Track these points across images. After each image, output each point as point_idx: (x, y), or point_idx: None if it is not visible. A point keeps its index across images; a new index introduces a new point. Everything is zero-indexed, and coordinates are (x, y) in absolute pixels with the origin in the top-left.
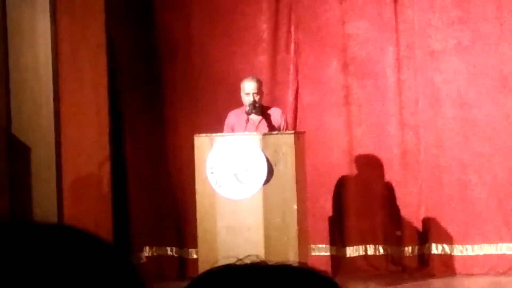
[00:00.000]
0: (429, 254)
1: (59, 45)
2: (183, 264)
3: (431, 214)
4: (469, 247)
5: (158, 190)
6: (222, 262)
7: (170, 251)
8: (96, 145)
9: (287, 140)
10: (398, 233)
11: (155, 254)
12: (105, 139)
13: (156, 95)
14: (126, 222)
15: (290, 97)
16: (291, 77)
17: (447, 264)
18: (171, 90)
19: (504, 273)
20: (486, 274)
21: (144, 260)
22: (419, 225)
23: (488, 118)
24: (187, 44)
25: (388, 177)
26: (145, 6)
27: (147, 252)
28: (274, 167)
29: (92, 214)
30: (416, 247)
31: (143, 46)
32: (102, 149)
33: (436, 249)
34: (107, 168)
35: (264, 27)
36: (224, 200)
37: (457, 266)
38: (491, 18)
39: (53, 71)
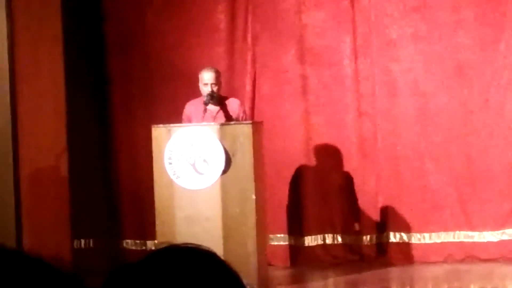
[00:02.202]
0: (387, 242)
1: (15, 39)
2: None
3: (389, 203)
4: (426, 235)
5: (114, 182)
6: None
7: (127, 243)
8: (53, 137)
9: (244, 130)
10: (356, 226)
11: (112, 246)
12: (62, 131)
13: (109, 89)
14: (84, 214)
15: (248, 87)
16: (249, 67)
17: (405, 253)
18: (125, 81)
19: (461, 261)
20: (444, 262)
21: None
22: (377, 214)
23: (445, 107)
24: (141, 34)
25: (346, 166)
26: None
27: (104, 243)
28: (232, 157)
29: (50, 207)
30: (374, 236)
31: (97, 37)
32: (59, 141)
33: (394, 237)
34: (64, 159)
35: (221, 17)
36: (183, 190)
37: (415, 254)
38: (447, 7)
39: (10, 65)
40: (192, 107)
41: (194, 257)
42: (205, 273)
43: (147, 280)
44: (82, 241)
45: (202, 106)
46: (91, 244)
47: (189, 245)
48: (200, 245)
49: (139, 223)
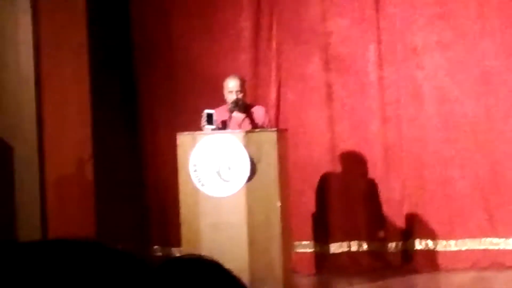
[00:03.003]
0: (413, 250)
1: (40, 44)
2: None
3: (414, 210)
4: (452, 242)
5: (140, 189)
6: None
7: (155, 250)
8: (78, 144)
9: (269, 137)
10: (381, 234)
11: (140, 252)
12: (88, 138)
13: (135, 95)
14: (109, 221)
15: (273, 95)
16: (273, 74)
17: (431, 260)
18: (151, 89)
19: (487, 268)
20: (469, 269)
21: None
22: (402, 221)
23: (470, 114)
24: (167, 42)
25: (370, 173)
26: (124, 4)
27: (131, 250)
28: (257, 164)
29: (76, 214)
30: (400, 243)
31: (122, 45)
32: (85, 147)
33: (419, 244)
34: (89, 166)
35: (245, 24)
36: (207, 198)
37: (441, 261)
38: (472, 15)
39: (35, 70)
40: (217, 114)
41: (199, 268)
42: (211, 284)
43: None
44: None
45: (227, 114)
46: None
47: (193, 256)
48: (204, 256)
49: (166, 229)
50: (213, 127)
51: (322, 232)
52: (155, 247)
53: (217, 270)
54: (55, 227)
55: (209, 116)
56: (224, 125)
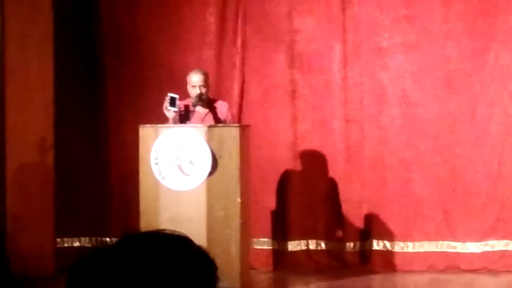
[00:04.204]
0: (370, 250)
1: (5, 32)
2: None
3: (373, 211)
4: (410, 244)
5: (101, 180)
6: None
7: (113, 242)
8: (40, 133)
9: (232, 132)
10: (340, 233)
11: (95, 244)
12: (50, 127)
13: (100, 88)
14: (69, 210)
15: (236, 91)
16: (237, 70)
17: (388, 261)
18: (116, 82)
19: (443, 271)
20: (426, 271)
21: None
22: (361, 221)
23: (432, 116)
24: (133, 36)
25: (331, 172)
26: None
27: (88, 242)
28: (218, 159)
29: (35, 204)
30: (358, 243)
31: (88, 38)
32: (47, 136)
33: (377, 245)
34: (51, 155)
35: (211, 20)
36: (168, 191)
37: (398, 262)
38: (438, 18)
39: None
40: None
41: (168, 241)
42: (179, 256)
43: (118, 263)
44: (67, 239)
45: (190, 108)
46: (75, 243)
47: (164, 230)
48: (175, 230)
49: (126, 221)
50: (176, 109)
51: (280, 230)
52: (113, 239)
53: (186, 243)
54: (14, 214)
55: (172, 99)
56: (187, 109)
